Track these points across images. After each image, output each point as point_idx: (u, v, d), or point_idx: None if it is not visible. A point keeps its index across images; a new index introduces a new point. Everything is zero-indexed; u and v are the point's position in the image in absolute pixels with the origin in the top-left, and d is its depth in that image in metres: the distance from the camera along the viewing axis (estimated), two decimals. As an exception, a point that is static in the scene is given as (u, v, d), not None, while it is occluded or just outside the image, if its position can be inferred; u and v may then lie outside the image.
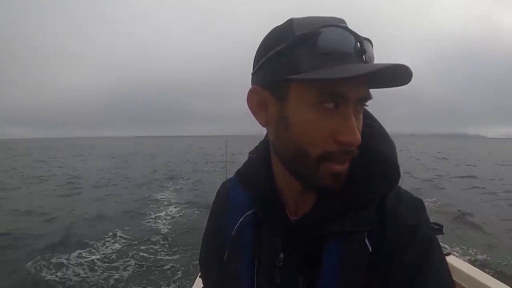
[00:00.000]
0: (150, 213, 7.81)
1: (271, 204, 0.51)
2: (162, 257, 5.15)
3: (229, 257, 0.55)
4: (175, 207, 8.51)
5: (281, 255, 0.49)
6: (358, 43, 0.41)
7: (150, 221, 7.10)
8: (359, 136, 0.41)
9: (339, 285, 0.44)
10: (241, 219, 0.55)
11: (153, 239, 5.92)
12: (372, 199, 0.46)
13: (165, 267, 4.77)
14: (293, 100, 0.43)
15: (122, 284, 4.29)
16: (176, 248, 5.47)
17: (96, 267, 4.75)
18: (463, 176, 14.95)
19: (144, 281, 4.35)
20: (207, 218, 0.66)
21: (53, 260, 4.90)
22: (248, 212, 0.55)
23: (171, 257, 5.15)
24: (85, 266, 4.76)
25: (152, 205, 8.77)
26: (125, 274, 4.58)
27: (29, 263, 4.75)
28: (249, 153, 0.59)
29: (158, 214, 7.72)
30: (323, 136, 0.41)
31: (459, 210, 7.93)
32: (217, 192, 0.67)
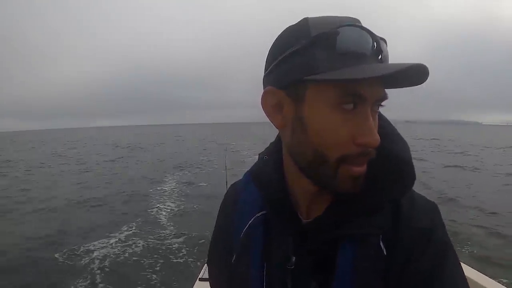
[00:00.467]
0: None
1: (282, 205, 0.50)
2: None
3: (237, 259, 0.55)
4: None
5: (293, 258, 0.48)
6: (375, 43, 0.40)
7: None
8: (378, 136, 0.40)
9: None
10: (251, 221, 0.54)
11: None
12: (387, 202, 0.45)
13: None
14: (311, 101, 0.42)
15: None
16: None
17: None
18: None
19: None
20: (216, 220, 0.65)
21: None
22: (258, 214, 0.54)
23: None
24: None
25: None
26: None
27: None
28: (259, 154, 0.58)
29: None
30: (343, 138, 0.41)
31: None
32: (226, 194, 0.66)
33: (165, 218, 7.26)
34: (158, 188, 10.33)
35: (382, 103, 0.44)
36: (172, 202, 8.62)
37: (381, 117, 0.49)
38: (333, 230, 0.46)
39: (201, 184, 11.05)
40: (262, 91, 0.47)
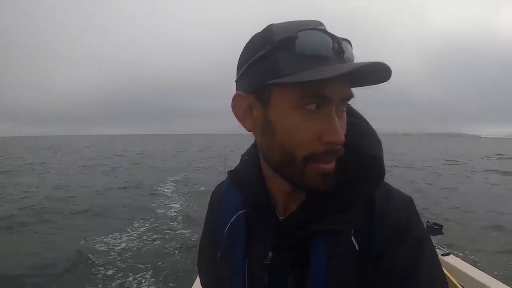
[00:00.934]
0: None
1: (261, 204, 0.52)
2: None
3: (221, 257, 0.56)
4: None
5: (270, 254, 0.49)
6: (336, 44, 0.41)
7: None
8: (342, 135, 0.42)
9: (328, 284, 0.44)
10: (232, 219, 0.56)
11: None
12: (358, 198, 0.46)
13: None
14: (276, 104, 0.43)
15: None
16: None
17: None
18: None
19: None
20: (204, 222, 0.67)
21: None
22: (239, 212, 0.55)
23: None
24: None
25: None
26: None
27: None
28: (242, 155, 0.60)
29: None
30: (308, 138, 0.42)
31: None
32: (211, 194, 0.67)
33: (165, 218, 7.47)
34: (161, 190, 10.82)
35: (349, 102, 0.45)
36: (175, 203, 8.89)
37: (356, 115, 0.52)
38: (307, 226, 0.47)
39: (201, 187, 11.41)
40: None
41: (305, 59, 0.40)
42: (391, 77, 0.42)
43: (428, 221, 2.39)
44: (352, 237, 0.45)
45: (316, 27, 0.42)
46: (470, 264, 1.99)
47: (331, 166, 0.43)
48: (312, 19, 0.44)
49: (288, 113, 0.42)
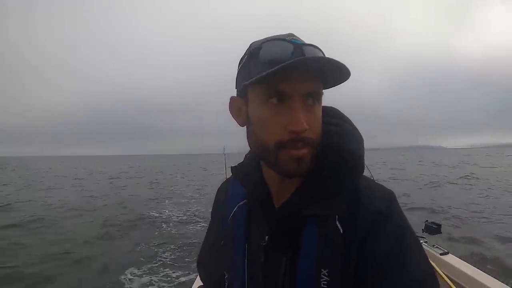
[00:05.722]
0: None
1: (259, 194, 0.58)
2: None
3: (224, 243, 0.63)
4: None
5: (266, 237, 0.55)
6: (298, 50, 0.48)
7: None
8: (303, 124, 0.46)
9: (317, 264, 0.49)
10: (235, 209, 0.62)
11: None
12: (341, 187, 0.52)
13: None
14: (251, 102, 0.52)
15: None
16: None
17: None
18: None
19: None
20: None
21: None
22: (241, 203, 0.62)
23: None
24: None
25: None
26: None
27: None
28: (246, 154, 0.67)
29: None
30: (276, 128, 0.48)
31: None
32: (218, 188, 0.75)
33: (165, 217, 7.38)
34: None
35: (316, 98, 0.50)
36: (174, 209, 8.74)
37: (339, 116, 0.58)
38: (298, 212, 0.52)
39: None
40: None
41: (266, 64, 0.48)
42: (350, 76, 0.48)
43: (427, 220, 2.41)
44: (337, 222, 0.50)
45: (284, 38, 0.50)
46: (469, 264, 1.96)
47: (301, 152, 0.48)
48: (286, 33, 0.52)
49: (258, 108, 0.50)
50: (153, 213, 8.52)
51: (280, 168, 0.50)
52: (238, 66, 0.56)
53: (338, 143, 0.53)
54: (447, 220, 6.78)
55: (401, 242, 0.48)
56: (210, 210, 0.75)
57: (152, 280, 4.19)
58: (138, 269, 4.52)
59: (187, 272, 4.38)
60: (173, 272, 4.42)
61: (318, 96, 0.50)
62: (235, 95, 0.58)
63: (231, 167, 0.65)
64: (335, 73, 0.48)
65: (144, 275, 4.33)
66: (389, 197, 0.53)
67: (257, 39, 0.54)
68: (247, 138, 0.56)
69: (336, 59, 0.44)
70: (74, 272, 4.42)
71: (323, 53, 0.51)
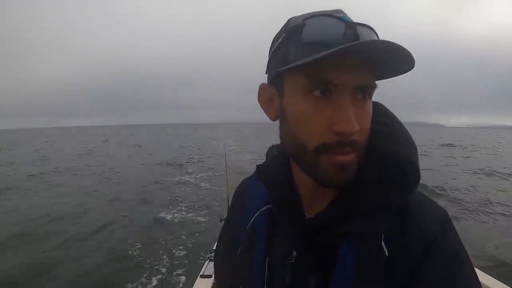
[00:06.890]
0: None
1: (287, 200, 0.49)
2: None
3: (242, 253, 0.55)
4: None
5: (294, 253, 0.47)
6: (350, 30, 0.38)
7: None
8: (355, 125, 0.38)
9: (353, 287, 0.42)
10: (256, 215, 0.54)
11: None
12: (388, 202, 0.42)
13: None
14: (287, 92, 0.43)
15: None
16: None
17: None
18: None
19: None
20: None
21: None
22: (263, 208, 0.54)
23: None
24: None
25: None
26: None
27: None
28: (269, 148, 0.59)
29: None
30: (318, 127, 0.40)
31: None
32: (236, 189, 0.66)
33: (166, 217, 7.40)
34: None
35: (370, 92, 0.42)
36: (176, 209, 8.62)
37: (388, 115, 0.49)
38: (335, 227, 0.44)
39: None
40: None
41: (312, 46, 0.39)
42: (413, 67, 0.39)
43: None
44: (383, 242, 0.42)
45: (331, 14, 0.40)
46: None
47: (347, 158, 0.40)
48: (333, 8, 0.42)
49: (297, 101, 0.41)
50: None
51: (319, 175, 0.42)
52: (271, 46, 0.46)
53: (387, 147, 0.44)
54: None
55: (457, 273, 0.40)
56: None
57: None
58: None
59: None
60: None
61: (370, 90, 0.42)
62: (264, 83, 0.49)
63: (257, 167, 0.56)
64: (397, 62, 0.39)
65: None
66: (444, 218, 0.45)
67: (296, 15, 0.44)
68: (280, 135, 0.48)
69: (399, 43, 0.34)
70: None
71: (377, 35, 0.41)
